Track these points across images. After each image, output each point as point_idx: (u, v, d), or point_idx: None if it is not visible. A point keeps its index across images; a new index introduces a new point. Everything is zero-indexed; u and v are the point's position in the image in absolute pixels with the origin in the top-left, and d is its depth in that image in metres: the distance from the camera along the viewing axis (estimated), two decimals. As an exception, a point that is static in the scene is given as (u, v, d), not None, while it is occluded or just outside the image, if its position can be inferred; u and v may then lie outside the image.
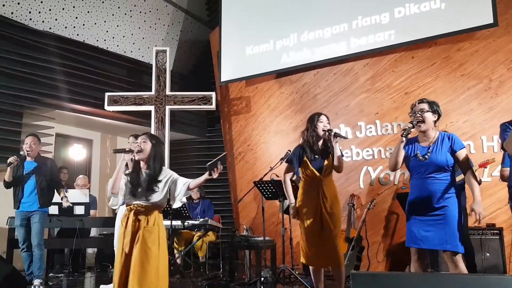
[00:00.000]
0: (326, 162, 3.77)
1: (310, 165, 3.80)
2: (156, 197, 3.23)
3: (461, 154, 3.17)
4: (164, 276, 3.16)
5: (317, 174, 3.77)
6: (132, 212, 3.21)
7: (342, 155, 3.81)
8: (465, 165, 3.18)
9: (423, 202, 3.17)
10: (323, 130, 3.78)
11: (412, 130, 3.20)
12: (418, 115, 3.21)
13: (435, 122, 3.26)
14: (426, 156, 3.16)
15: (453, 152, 3.16)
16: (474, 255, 4.66)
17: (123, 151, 3.35)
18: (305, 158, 3.83)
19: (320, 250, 3.69)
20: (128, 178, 3.30)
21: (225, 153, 3.48)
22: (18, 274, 4.94)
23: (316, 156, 3.79)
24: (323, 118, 3.85)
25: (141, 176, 3.27)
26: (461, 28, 5.62)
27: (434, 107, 3.25)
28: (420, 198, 3.19)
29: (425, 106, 3.24)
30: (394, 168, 3.33)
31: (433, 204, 3.12)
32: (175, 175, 3.32)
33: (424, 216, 3.15)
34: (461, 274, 2.95)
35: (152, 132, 7.36)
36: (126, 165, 3.53)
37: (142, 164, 3.32)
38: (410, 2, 6.04)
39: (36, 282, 4.84)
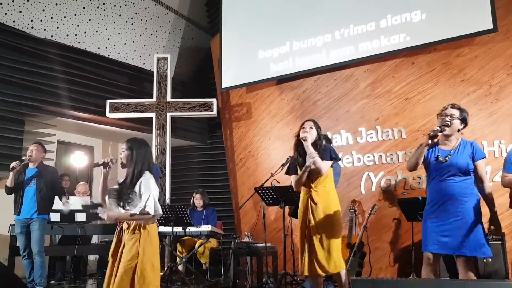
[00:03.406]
0: (311, 167, 3.72)
1: (299, 170, 3.81)
2: (134, 206, 3.13)
3: (480, 165, 3.20)
4: (148, 284, 3.07)
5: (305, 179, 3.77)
6: (119, 222, 3.22)
7: (335, 156, 3.78)
8: (481, 178, 3.23)
9: (442, 206, 3.17)
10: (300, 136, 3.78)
11: (440, 134, 3.20)
12: (447, 119, 3.22)
13: (459, 129, 3.30)
14: (447, 158, 3.18)
15: (473, 160, 3.20)
16: (477, 261, 4.64)
17: (98, 165, 3.29)
18: (297, 166, 3.85)
19: (309, 256, 3.66)
20: (117, 189, 3.26)
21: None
22: (20, 281, 4.93)
23: (303, 162, 3.78)
24: (305, 124, 3.85)
25: (123, 187, 3.22)
26: (460, 34, 5.63)
27: (463, 115, 3.29)
28: (439, 201, 3.19)
29: (455, 112, 3.27)
30: (413, 168, 3.33)
31: (452, 208, 3.13)
32: (144, 193, 3.14)
33: (443, 221, 3.14)
34: (463, 280, 2.94)
35: (153, 138, 7.39)
36: None
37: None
38: (410, 8, 6.07)
39: None
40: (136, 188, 3.15)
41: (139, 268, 3.06)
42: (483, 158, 3.22)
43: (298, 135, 3.89)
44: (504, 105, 5.43)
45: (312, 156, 3.63)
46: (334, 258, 3.62)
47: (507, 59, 5.48)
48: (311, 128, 3.81)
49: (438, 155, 3.22)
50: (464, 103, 5.62)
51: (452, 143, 3.26)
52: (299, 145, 3.86)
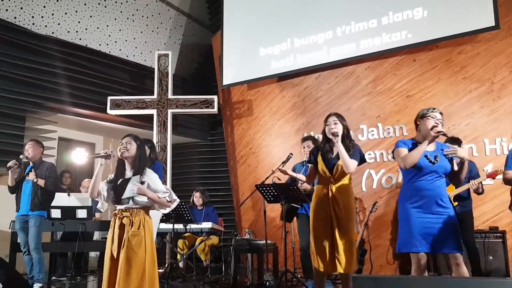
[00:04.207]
0: (339, 162, 3.69)
1: (322, 164, 3.75)
2: (140, 198, 3.21)
3: (454, 164, 3.29)
4: (151, 279, 3.13)
5: (328, 173, 3.72)
6: (117, 217, 3.22)
7: (362, 157, 3.74)
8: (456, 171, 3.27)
9: (427, 202, 3.17)
10: (330, 132, 3.72)
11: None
12: (441, 126, 3.24)
13: None
14: (437, 159, 3.19)
15: (450, 160, 3.27)
16: (480, 259, 4.64)
17: (98, 156, 3.32)
18: (319, 158, 3.79)
19: (328, 253, 3.62)
20: (111, 184, 3.29)
21: None
22: (21, 277, 4.94)
23: (330, 157, 3.75)
24: (330, 119, 3.78)
25: (127, 180, 3.25)
26: (462, 31, 5.62)
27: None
28: (424, 199, 3.18)
29: (440, 117, 3.29)
30: (410, 166, 3.23)
31: (439, 207, 3.14)
32: (157, 184, 3.28)
33: (430, 219, 3.15)
34: (463, 278, 2.93)
35: (154, 135, 7.39)
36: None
37: (127, 165, 3.32)
38: (412, 5, 6.05)
39: (36, 287, 4.83)
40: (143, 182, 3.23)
41: (147, 264, 3.12)
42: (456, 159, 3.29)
43: (323, 131, 3.83)
44: (506, 103, 5.42)
45: (343, 155, 3.59)
46: (353, 256, 3.60)
47: (509, 56, 5.47)
48: (335, 123, 3.73)
49: (427, 155, 3.22)
50: (465, 100, 5.63)
51: (430, 144, 3.28)
52: (325, 140, 3.80)
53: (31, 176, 4.95)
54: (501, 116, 5.42)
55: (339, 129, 3.71)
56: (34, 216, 4.94)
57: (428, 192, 3.18)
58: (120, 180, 3.27)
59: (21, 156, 5.02)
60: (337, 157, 3.71)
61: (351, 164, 3.61)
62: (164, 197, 3.27)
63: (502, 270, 4.72)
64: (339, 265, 3.57)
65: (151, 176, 3.29)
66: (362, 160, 3.76)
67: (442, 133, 3.15)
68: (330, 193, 3.68)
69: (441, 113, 3.32)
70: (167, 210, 3.44)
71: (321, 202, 3.71)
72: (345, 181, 3.72)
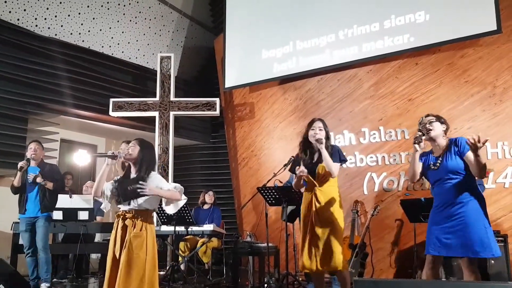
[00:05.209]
0: (319, 167, 3.74)
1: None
2: (142, 201, 3.22)
3: (469, 156, 3.13)
4: (150, 282, 3.14)
5: (311, 179, 3.75)
6: (120, 218, 3.24)
7: (342, 158, 3.78)
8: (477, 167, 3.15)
9: (443, 209, 3.19)
10: (314, 138, 3.74)
11: (424, 138, 3.21)
12: (428, 126, 3.27)
13: (445, 132, 3.34)
14: (438, 164, 3.22)
15: (461, 156, 3.18)
16: (486, 262, 4.62)
17: (105, 155, 3.35)
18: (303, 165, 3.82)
19: (312, 253, 3.68)
20: (116, 184, 3.31)
21: None
22: (22, 279, 4.95)
23: (310, 162, 3.79)
24: (315, 124, 3.81)
25: (129, 181, 3.28)
26: (464, 35, 5.62)
27: (441, 119, 3.36)
28: (441, 206, 3.21)
29: (432, 118, 3.33)
30: (413, 179, 3.37)
31: (453, 210, 3.13)
32: (162, 183, 3.32)
33: (444, 223, 3.15)
34: (465, 282, 2.93)
35: (156, 137, 7.40)
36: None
37: (132, 168, 3.35)
38: (414, 9, 6.05)
39: (44, 286, 4.85)
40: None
41: (147, 266, 3.13)
42: (469, 151, 3.12)
43: (305, 134, 3.86)
44: (508, 106, 5.41)
45: (327, 161, 3.63)
46: (336, 255, 3.61)
47: (511, 60, 5.46)
48: (320, 130, 3.77)
49: (430, 163, 3.29)
50: (467, 104, 5.62)
51: (441, 147, 3.29)
52: (306, 144, 3.84)
53: (39, 179, 4.98)
54: (503, 120, 5.41)
55: (322, 135, 3.74)
56: (43, 217, 4.98)
57: (441, 197, 3.22)
58: (124, 180, 3.30)
59: (28, 157, 5.04)
60: (317, 162, 3.76)
61: (335, 168, 3.67)
62: (171, 189, 3.29)
63: (504, 274, 4.69)
64: (319, 263, 3.62)
65: (156, 178, 3.34)
66: (342, 161, 3.80)
67: (415, 142, 3.18)
68: (314, 198, 3.73)
69: (427, 115, 3.37)
70: (180, 204, 3.42)
71: (306, 205, 3.78)
72: (329, 184, 3.75)
